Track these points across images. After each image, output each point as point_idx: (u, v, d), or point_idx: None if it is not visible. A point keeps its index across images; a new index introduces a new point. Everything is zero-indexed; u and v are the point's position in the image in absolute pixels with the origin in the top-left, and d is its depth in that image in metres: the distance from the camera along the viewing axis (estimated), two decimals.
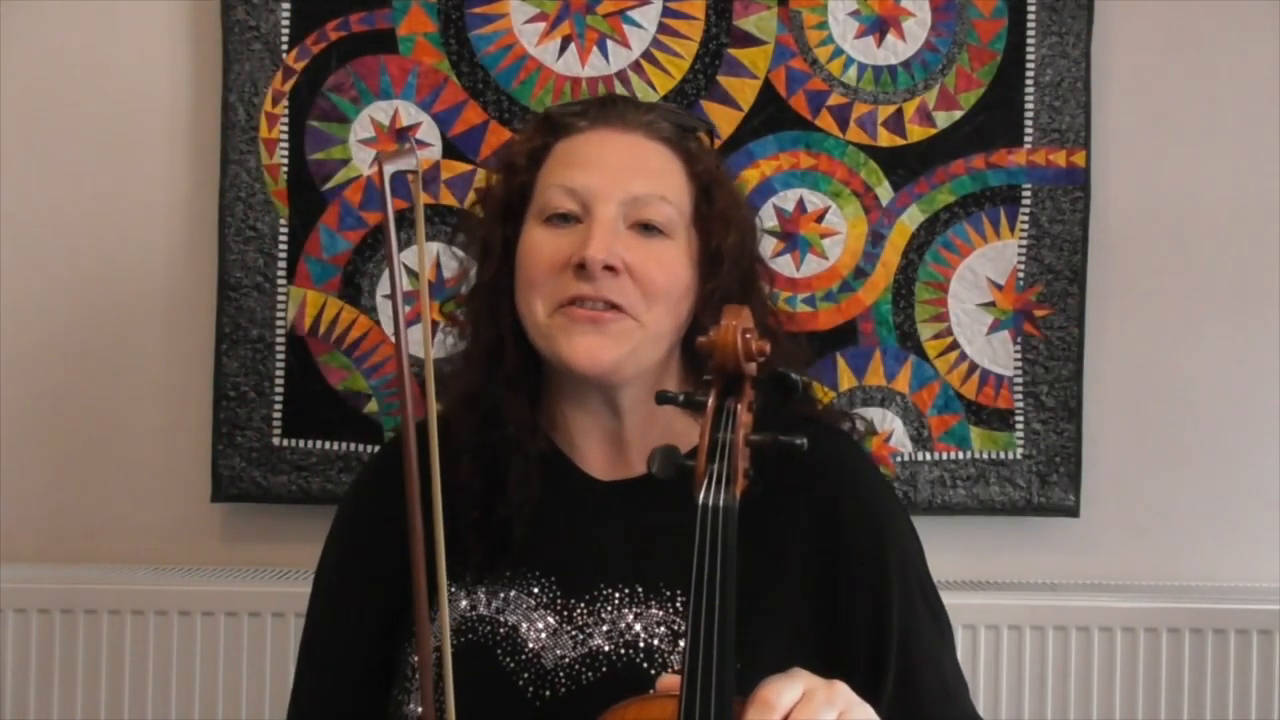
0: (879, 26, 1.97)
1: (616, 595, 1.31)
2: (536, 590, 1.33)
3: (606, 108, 1.40)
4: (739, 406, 1.10)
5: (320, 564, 1.44)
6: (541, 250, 1.33)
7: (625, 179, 1.33)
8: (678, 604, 1.29)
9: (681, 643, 1.25)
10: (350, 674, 1.38)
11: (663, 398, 1.14)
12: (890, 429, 1.98)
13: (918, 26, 1.96)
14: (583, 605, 1.32)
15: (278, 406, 1.97)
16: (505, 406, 1.36)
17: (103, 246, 2.00)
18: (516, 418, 1.35)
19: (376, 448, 1.95)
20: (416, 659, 1.33)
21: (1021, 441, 1.98)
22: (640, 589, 1.31)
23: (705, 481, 1.08)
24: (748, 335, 1.10)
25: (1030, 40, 1.96)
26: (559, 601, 1.32)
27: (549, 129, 1.41)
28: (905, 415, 1.98)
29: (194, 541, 2.02)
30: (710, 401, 1.10)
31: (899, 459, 1.98)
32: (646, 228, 1.33)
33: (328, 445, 1.97)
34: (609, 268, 1.29)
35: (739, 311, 1.11)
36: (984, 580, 1.99)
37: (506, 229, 1.38)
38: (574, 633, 1.30)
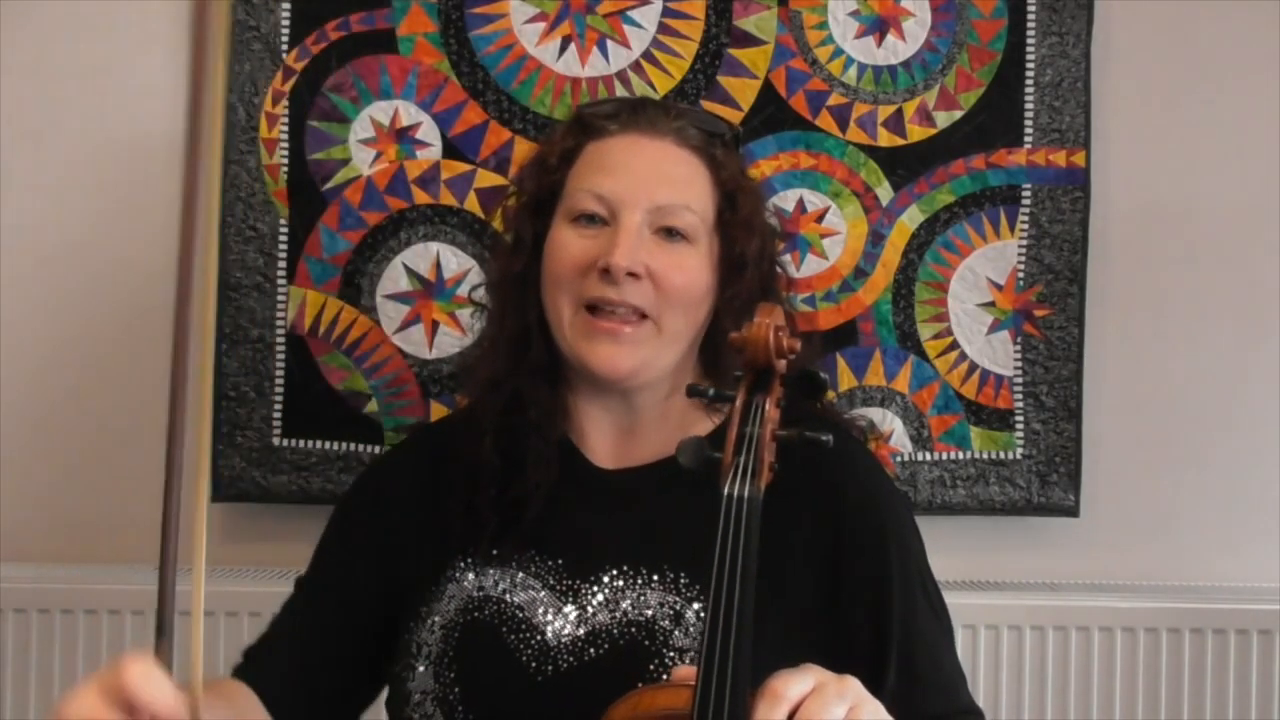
0: (879, 26, 1.97)
1: (620, 576, 1.34)
2: (543, 571, 1.35)
3: (637, 112, 1.43)
4: (767, 402, 1.12)
5: (324, 536, 1.46)
6: (568, 250, 1.37)
7: (652, 187, 1.37)
8: (680, 584, 1.31)
9: (683, 622, 1.29)
10: (347, 646, 1.40)
11: (693, 390, 1.17)
12: (890, 429, 1.98)
13: (918, 26, 1.97)
14: (588, 585, 1.34)
15: (278, 406, 1.97)
16: (529, 392, 1.40)
17: (103, 247, 2.00)
18: (539, 404, 1.40)
19: (377, 448, 1.96)
20: (421, 637, 1.35)
21: (1021, 441, 1.98)
22: (644, 569, 1.33)
23: (731, 473, 1.10)
24: (780, 332, 1.12)
25: (1030, 40, 1.96)
26: (565, 582, 1.34)
27: (580, 130, 1.44)
28: (905, 415, 1.98)
29: (194, 541, 2.01)
30: (740, 396, 1.13)
31: (899, 459, 1.98)
32: (670, 233, 1.37)
33: (328, 445, 1.97)
34: (631, 274, 1.33)
35: (772, 309, 1.14)
36: (984, 580, 1.99)
37: (537, 224, 1.42)
38: (578, 611, 1.33)
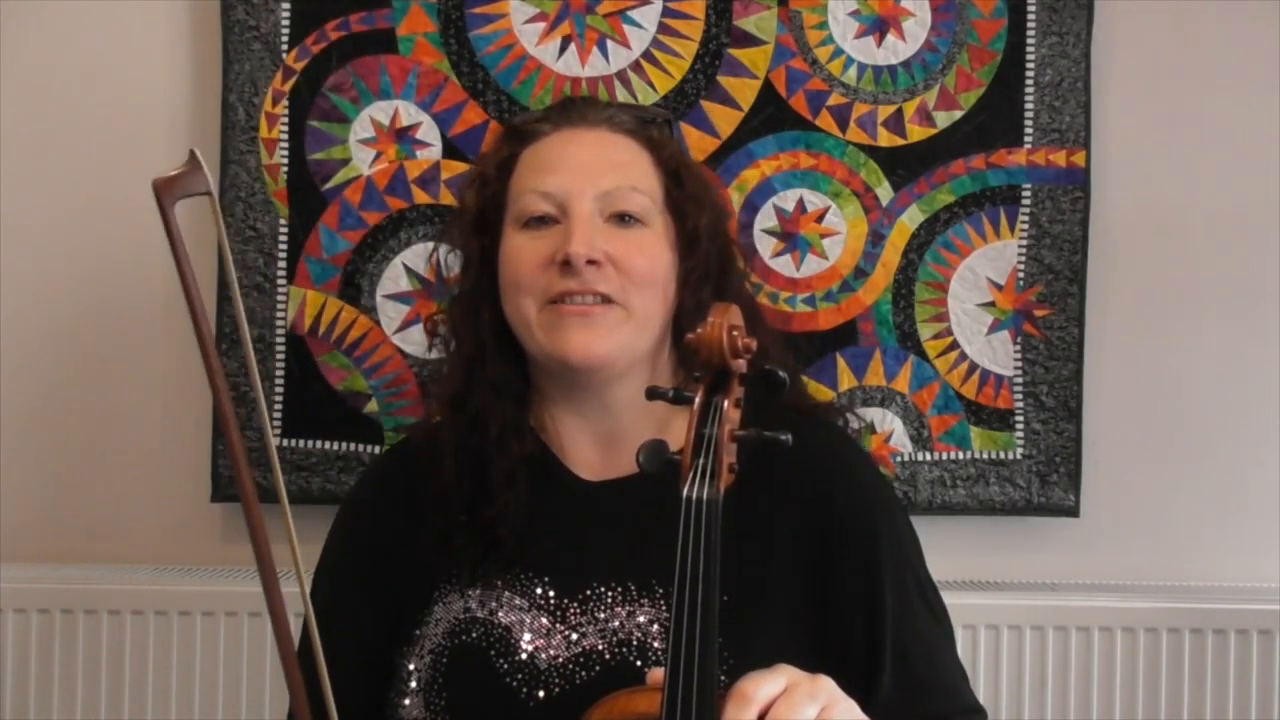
0: (879, 26, 1.97)
1: (609, 594, 1.32)
2: (530, 591, 1.34)
3: (567, 109, 1.43)
4: (726, 403, 1.11)
5: (316, 572, 1.44)
6: (523, 254, 1.35)
7: (596, 174, 1.36)
8: (670, 601, 1.29)
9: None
10: (347, 680, 1.38)
11: (653, 393, 1.16)
12: (890, 429, 1.98)
13: (918, 26, 1.96)
14: (575, 605, 1.32)
15: (278, 406, 1.97)
16: (488, 411, 1.38)
17: (103, 247, 2.00)
18: (500, 421, 1.38)
19: (377, 448, 1.96)
20: (411, 664, 1.34)
21: (1021, 441, 1.98)
22: (633, 587, 1.32)
23: (690, 475, 1.09)
24: (734, 332, 1.11)
25: (1030, 40, 1.96)
26: (552, 602, 1.33)
27: (514, 139, 1.44)
28: (905, 415, 1.98)
29: (194, 541, 2.02)
30: (697, 397, 1.12)
31: (899, 459, 1.98)
32: (623, 218, 1.36)
33: (328, 445, 1.97)
34: (592, 261, 1.31)
35: (726, 309, 1.13)
36: (984, 580, 1.99)
37: (483, 240, 1.41)
38: (567, 632, 1.31)
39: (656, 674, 1.12)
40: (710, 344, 1.11)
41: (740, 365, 1.12)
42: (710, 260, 1.39)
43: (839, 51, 1.96)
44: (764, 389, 1.14)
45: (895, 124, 1.97)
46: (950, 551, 1.92)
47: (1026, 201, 1.97)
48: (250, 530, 1.05)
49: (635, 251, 1.34)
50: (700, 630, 1.06)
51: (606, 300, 1.33)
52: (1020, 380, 1.98)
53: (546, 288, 1.33)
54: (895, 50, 1.97)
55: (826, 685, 1.09)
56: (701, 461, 1.10)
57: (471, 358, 1.40)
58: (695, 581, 1.07)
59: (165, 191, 0.97)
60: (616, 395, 1.37)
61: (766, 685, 1.07)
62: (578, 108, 1.42)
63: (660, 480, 1.11)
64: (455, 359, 1.44)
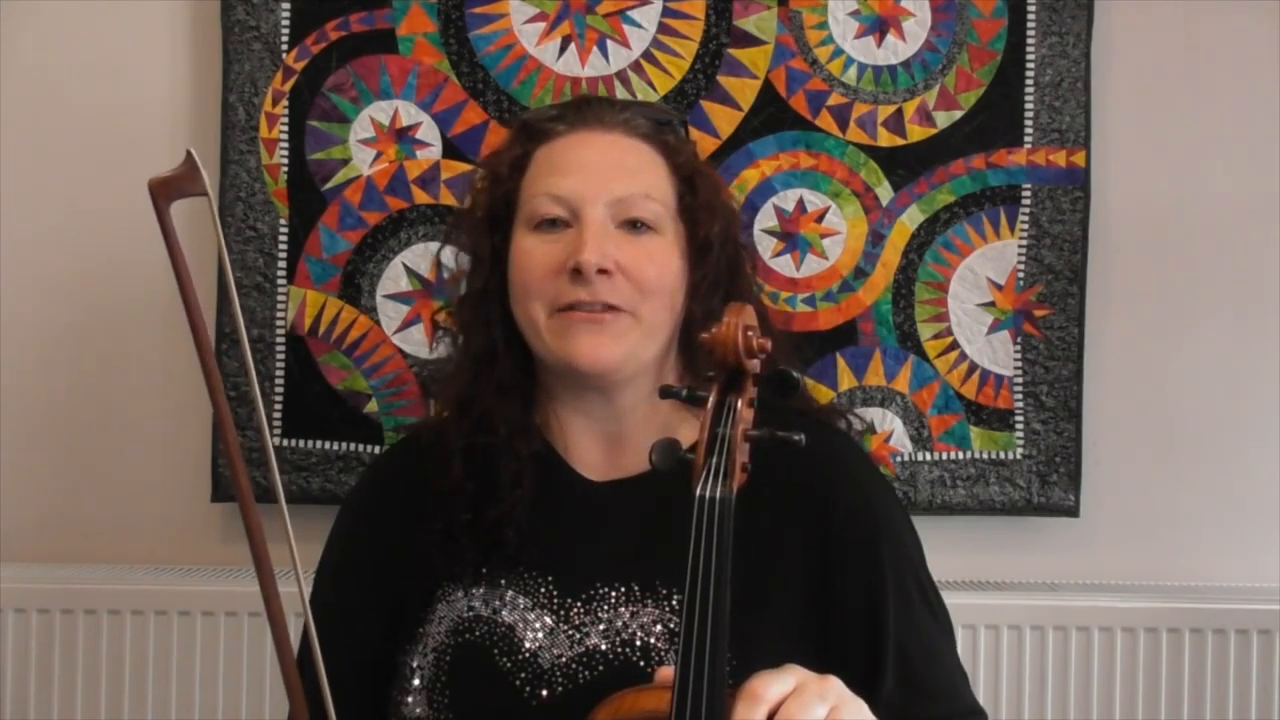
0: (879, 26, 1.97)
1: (613, 594, 1.32)
2: (533, 590, 1.34)
3: (582, 110, 1.41)
4: (739, 402, 1.12)
5: (318, 571, 1.44)
6: (534, 257, 1.35)
7: (609, 180, 1.35)
8: (674, 602, 1.30)
9: (678, 641, 1.27)
10: (348, 679, 1.38)
11: (667, 392, 1.16)
12: (890, 429, 1.98)
13: (918, 26, 1.96)
14: (579, 604, 1.32)
15: (278, 406, 1.97)
16: (496, 411, 1.37)
17: (103, 247, 2.01)
18: (508, 422, 1.37)
19: (377, 448, 1.96)
20: (414, 663, 1.34)
21: (1021, 441, 1.98)
22: (636, 588, 1.32)
23: (703, 474, 1.09)
24: (749, 332, 1.12)
25: (1030, 40, 1.96)
26: (556, 601, 1.33)
27: (527, 136, 1.42)
28: (905, 415, 1.98)
29: (194, 541, 2.02)
30: (711, 397, 1.12)
31: (899, 459, 1.98)
32: (635, 225, 1.35)
33: (328, 445, 1.97)
34: (603, 270, 1.31)
35: (741, 309, 1.13)
36: (984, 580, 1.99)
37: (494, 238, 1.40)
38: (570, 632, 1.31)
39: (664, 672, 1.11)
40: (726, 343, 1.11)
41: (754, 365, 1.13)
42: (720, 268, 1.39)
43: (839, 51, 1.97)
44: (775, 390, 1.14)
45: (895, 124, 1.97)
46: (950, 551, 1.92)
47: (1026, 201, 1.97)
48: (248, 532, 1.05)
49: (646, 260, 1.33)
50: (711, 629, 1.06)
51: (615, 308, 1.32)
52: (1020, 380, 1.98)
53: (556, 295, 1.33)
54: (895, 50, 1.97)
55: (835, 685, 1.09)
56: (715, 460, 1.09)
57: (479, 358, 1.40)
58: (707, 580, 1.07)
59: (160, 192, 0.97)
60: (623, 397, 1.37)
61: (776, 684, 1.07)
62: (593, 108, 1.41)
63: (665, 480, 1.11)
64: (463, 358, 1.43)
